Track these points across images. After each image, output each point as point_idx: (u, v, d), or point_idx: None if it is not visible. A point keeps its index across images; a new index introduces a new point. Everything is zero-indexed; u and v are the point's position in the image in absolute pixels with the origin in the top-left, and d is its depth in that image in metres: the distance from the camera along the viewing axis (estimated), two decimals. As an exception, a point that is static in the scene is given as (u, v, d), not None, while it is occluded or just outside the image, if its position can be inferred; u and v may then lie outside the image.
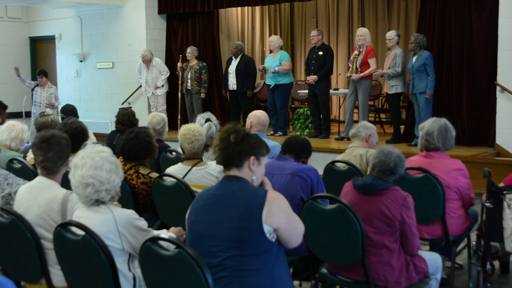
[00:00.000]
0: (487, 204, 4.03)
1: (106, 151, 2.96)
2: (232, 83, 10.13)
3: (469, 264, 4.42)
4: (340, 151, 7.45)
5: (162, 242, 2.58)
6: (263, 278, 2.60)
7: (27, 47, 13.44)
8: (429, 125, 4.35)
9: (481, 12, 8.18)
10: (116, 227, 2.83)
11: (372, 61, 8.73)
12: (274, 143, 5.07)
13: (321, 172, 4.65)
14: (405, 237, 3.42)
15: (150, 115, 5.91)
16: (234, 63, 10.12)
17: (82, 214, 2.91)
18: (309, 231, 3.23)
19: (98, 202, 2.88)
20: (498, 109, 7.97)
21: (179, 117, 10.99)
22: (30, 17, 13.29)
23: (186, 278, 2.45)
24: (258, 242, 2.58)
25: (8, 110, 7.88)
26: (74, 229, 2.80)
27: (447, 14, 8.51)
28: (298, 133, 9.72)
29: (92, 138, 5.65)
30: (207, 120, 5.13)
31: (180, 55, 10.94)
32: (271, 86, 9.75)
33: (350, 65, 8.97)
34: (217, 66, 11.16)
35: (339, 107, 10.97)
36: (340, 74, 12.11)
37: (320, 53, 9.22)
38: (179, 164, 4.40)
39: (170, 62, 11.38)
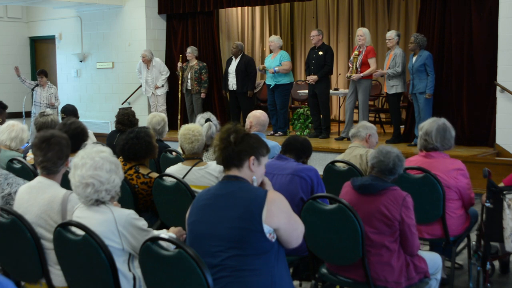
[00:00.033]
0: (487, 204, 4.03)
1: (106, 151, 2.96)
2: (232, 83, 10.12)
3: (469, 264, 4.42)
4: (340, 151, 7.44)
5: (162, 242, 2.57)
6: (263, 278, 2.60)
7: (27, 47, 13.44)
8: (428, 125, 4.35)
9: (481, 12, 8.18)
10: (116, 227, 2.83)
11: (372, 61, 8.73)
12: (274, 143, 5.07)
13: (321, 172, 4.65)
14: (405, 237, 3.42)
15: (150, 115, 5.91)
16: (234, 63, 10.11)
17: (82, 214, 2.91)
18: (309, 231, 3.23)
19: (98, 202, 2.88)
20: (498, 109, 7.97)
21: (179, 117, 10.98)
22: (30, 17, 13.29)
23: (186, 278, 2.45)
24: (258, 242, 2.58)
25: (8, 110, 7.89)
26: (74, 229, 2.80)
27: (447, 14, 8.51)
28: (298, 133, 9.71)
29: (92, 138, 5.64)
30: (207, 120, 5.13)
31: (180, 55, 10.93)
32: (271, 86, 9.75)
33: (350, 65, 8.97)
34: (217, 66, 11.15)
35: (339, 107, 10.97)
36: (340, 74, 12.10)
37: (320, 53, 9.22)
38: (179, 164, 4.40)
39: (170, 62, 11.37)
